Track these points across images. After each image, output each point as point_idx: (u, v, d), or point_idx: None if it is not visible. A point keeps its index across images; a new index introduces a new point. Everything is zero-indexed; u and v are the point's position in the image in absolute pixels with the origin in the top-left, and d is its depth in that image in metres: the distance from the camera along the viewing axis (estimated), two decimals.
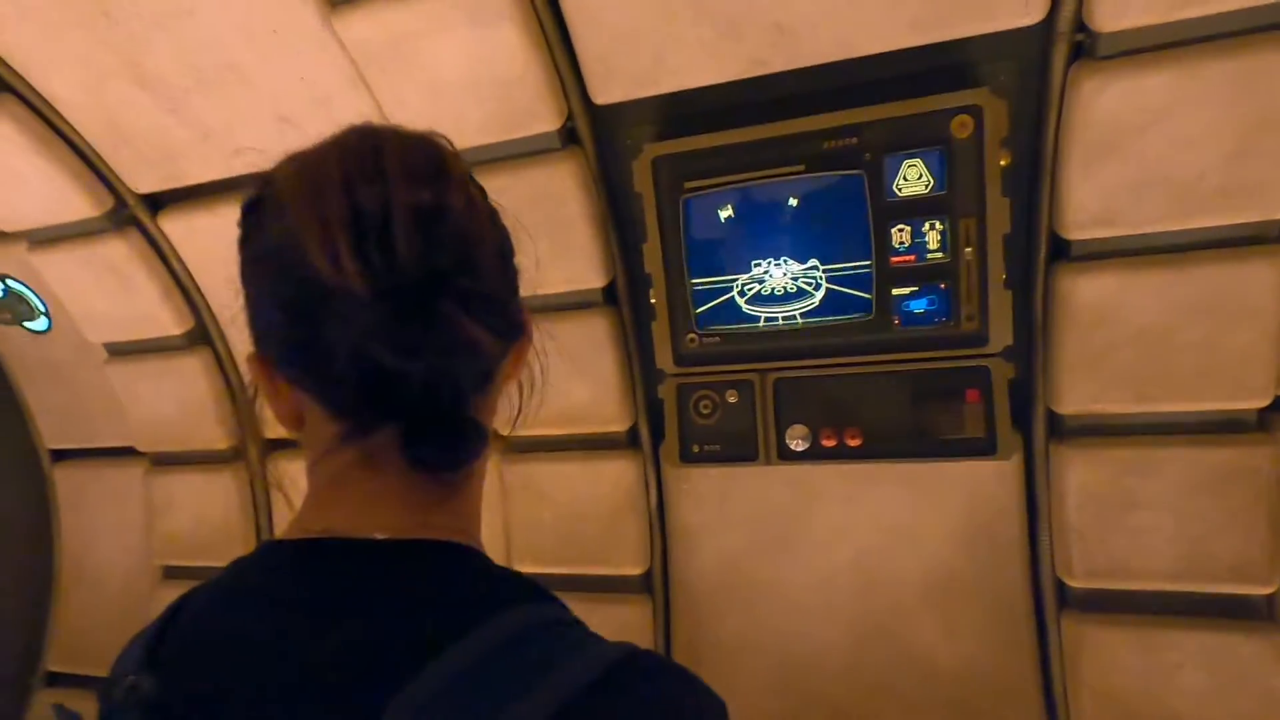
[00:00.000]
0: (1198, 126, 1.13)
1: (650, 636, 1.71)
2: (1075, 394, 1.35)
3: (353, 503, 0.47)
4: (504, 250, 0.52)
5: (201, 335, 1.94)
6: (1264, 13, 1.05)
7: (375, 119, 1.56)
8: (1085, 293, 1.29)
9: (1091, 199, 1.24)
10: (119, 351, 2.00)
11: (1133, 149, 1.18)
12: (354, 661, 0.39)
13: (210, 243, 1.76)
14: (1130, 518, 1.36)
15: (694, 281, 1.44)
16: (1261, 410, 1.29)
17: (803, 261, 1.37)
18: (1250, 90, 1.09)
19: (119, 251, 1.79)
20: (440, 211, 0.44)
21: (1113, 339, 1.30)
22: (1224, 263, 1.22)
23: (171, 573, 2.12)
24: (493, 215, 0.52)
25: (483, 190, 0.52)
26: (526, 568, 1.70)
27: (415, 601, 0.42)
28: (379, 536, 0.45)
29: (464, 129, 1.41)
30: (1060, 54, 1.17)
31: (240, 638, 0.43)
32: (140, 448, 2.10)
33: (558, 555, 1.69)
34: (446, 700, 0.36)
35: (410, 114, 1.42)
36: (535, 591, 0.47)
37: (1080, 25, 1.14)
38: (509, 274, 0.52)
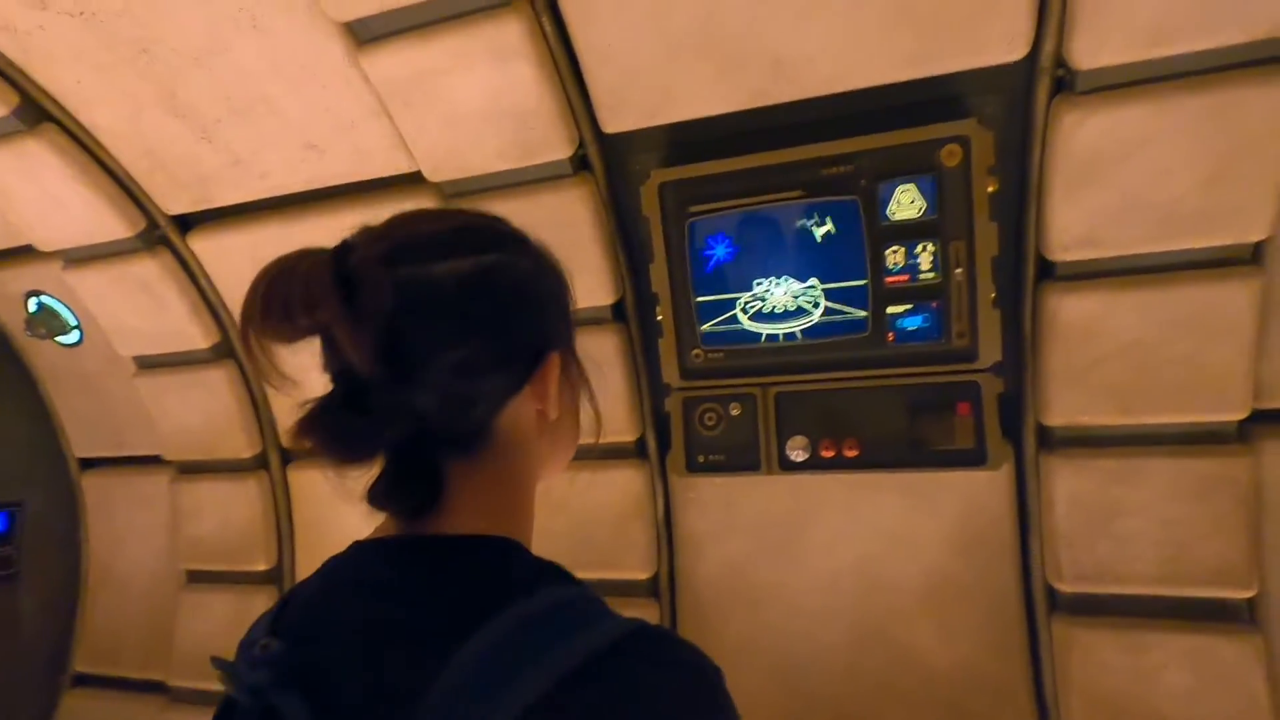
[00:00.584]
0: (1174, 156, 1.20)
1: None
2: (1063, 406, 1.42)
3: None
4: (474, 328, 0.55)
5: (227, 349, 2.02)
6: (1232, 52, 1.12)
7: (397, 146, 1.65)
8: (1071, 310, 1.36)
9: (1076, 222, 1.31)
10: (148, 364, 2.09)
11: (1113, 176, 1.25)
12: (419, 631, 0.50)
13: (238, 260, 1.85)
14: (1116, 525, 1.42)
15: (699, 300, 1.51)
16: (1241, 422, 1.35)
17: (802, 281, 1.45)
18: (1221, 122, 1.16)
19: (150, 270, 1.88)
20: (328, 334, 0.51)
21: (1098, 354, 1.37)
22: (1202, 283, 1.29)
23: (196, 577, 2.20)
24: (470, 282, 0.55)
25: (474, 255, 0.57)
26: None
27: (465, 584, 0.52)
28: (438, 534, 0.56)
29: (482, 156, 1.49)
30: (1043, 88, 1.24)
31: (338, 614, 0.54)
32: (167, 456, 2.18)
33: (568, 560, 1.76)
34: (486, 661, 0.46)
35: (430, 142, 1.50)
36: (563, 575, 0.56)
37: (1061, 62, 1.21)
38: (478, 350, 0.55)
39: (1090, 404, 1.40)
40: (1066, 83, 1.24)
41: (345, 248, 0.53)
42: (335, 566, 0.59)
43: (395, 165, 1.61)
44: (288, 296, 0.49)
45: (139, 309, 1.97)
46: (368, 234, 0.57)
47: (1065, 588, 1.48)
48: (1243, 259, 1.28)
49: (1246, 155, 1.18)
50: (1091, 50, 1.16)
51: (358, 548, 0.58)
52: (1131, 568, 1.42)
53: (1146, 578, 1.42)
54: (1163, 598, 1.43)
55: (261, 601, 2.10)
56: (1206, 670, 1.39)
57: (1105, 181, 1.26)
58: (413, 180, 1.62)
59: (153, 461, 2.28)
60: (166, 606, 2.25)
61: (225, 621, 2.12)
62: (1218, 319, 1.29)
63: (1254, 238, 1.24)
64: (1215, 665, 1.39)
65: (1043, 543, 1.49)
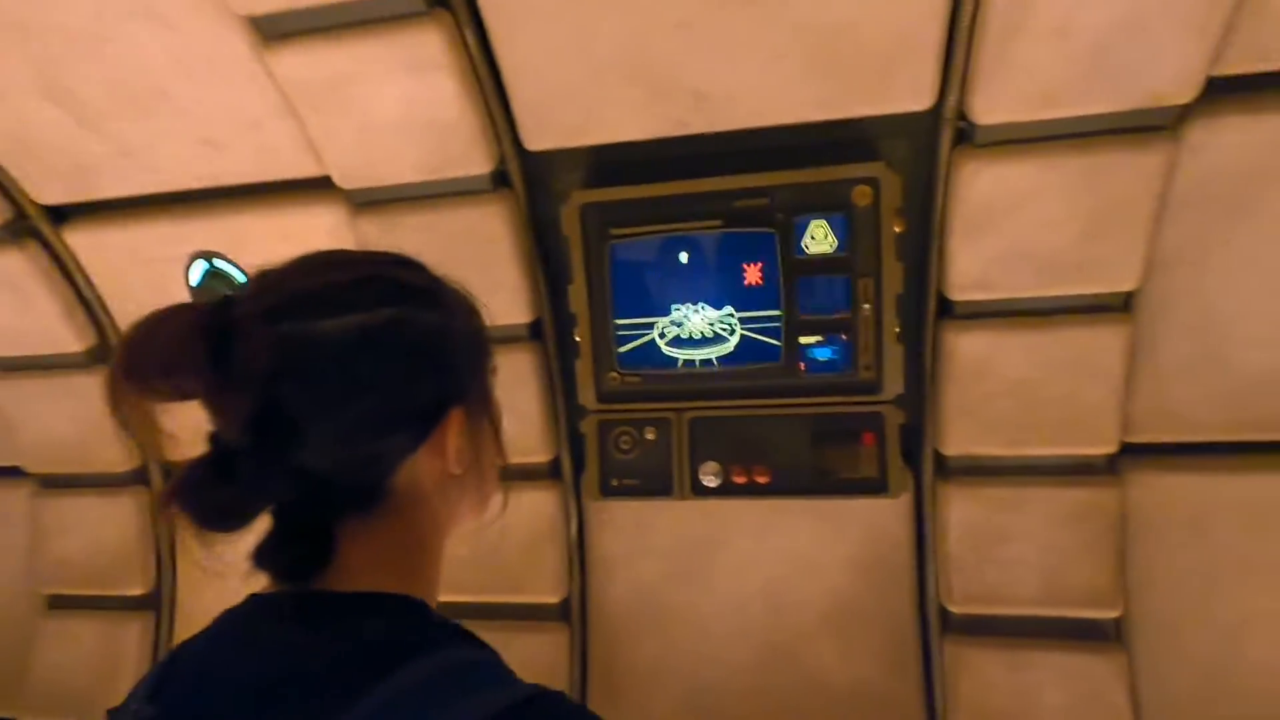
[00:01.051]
0: (1056, 210, 1.30)
1: (566, 662, 1.74)
2: (957, 437, 1.50)
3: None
4: (362, 387, 0.52)
5: (104, 353, 1.85)
6: (1109, 119, 1.22)
7: (305, 148, 1.56)
8: (966, 347, 1.44)
9: (972, 265, 1.39)
10: (9, 367, 1.89)
11: (1004, 224, 1.33)
12: (311, 691, 0.47)
13: (119, 257, 1.70)
14: (1002, 549, 1.51)
15: (617, 322, 1.51)
16: (1110, 456, 1.47)
17: (719, 309, 1.47)
18: (1098, 182, 1.26)
19: (15, 263, 1.70)
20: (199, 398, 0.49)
21: (989, 390, 1.45)
22: (1080, 326, 1.39)
23: (58, 602, 2.00)
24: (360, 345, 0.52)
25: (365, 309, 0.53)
26: (446, 596, 1.71)
27: (361, 643, 0.49)
28: (338, 590, 0.53)
29: (396, 166, 1.44)
30: (946, 138, 1.32)
31: (228, 672, 0.51)
32: (30, 469, 1.98)
33: (477, 583, 1.71)
34: None
35: (341, 148, 1.43)
36: (464, 636, 0.55)
37: (963, 115, 1.29)
38: (367, 412, 0.53)
39: (982, 435, 1.49)
40: (967, 134, 1.31)
41: (227, 302, 0.50)
42: (228, 620, 0.55)
43: (303, 168, 1.52)
44: (146, 360, 0.47)
45: (1, 306, 1.78)
46: (259, 283, 0.54)
47: (956, 609, 1.56)
48: (1115, 306, 1.39)
49: (1118, 213, 1.28)
50: (989, 107, 1.24)
51: (253, 601, 0.55)
52: (1015, 590, 1.52)
53: (1028, 599, 1.51)
54: (1043, 618, 1.53)
55: (134, 630, 1.93)
56: (1078, 687, 1.49)
57: (997, 228, 1.34)
58: (321, 185, 1.53)
59: (12, 474, 2.05)
60: (20, 635, 2.03)
61: (90, 652, 1.94)
62: (1092, 361, 1.40)
63: (1125, 288, 1.35)
64: (1086, 682, 1.49)
65: (937, 566, 1.57)
